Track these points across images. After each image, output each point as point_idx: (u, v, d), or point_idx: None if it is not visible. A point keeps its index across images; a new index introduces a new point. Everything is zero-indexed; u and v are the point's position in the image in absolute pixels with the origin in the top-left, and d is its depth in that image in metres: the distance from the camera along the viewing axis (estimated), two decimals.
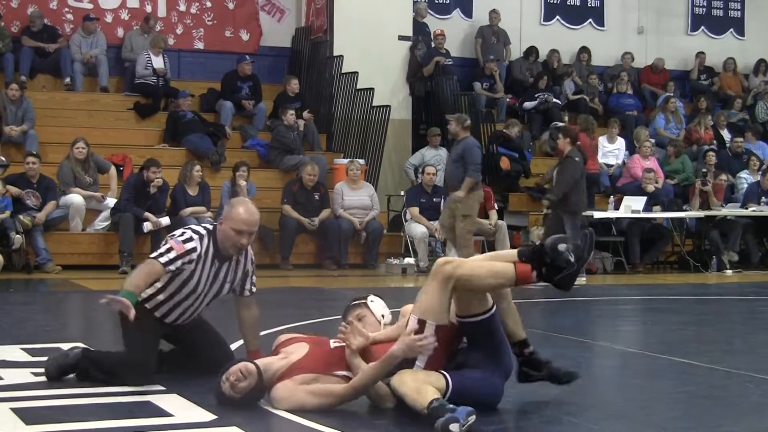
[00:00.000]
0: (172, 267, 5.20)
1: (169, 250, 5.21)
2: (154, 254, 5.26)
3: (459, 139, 12.06)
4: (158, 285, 5.29)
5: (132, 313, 5.00)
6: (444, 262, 4.69)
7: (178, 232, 5.37)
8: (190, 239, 5.26)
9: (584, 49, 18.19)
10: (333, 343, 4.87)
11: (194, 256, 5.24)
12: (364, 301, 5.22)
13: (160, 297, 5.34)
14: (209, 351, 5.53)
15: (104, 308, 5.30)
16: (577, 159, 11.87)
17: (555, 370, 5.06)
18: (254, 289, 5.55)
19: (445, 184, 12.50)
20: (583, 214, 12.27)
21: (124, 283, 5.23)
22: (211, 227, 5.40)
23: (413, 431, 4.47)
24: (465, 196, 11.83)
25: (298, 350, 4.85)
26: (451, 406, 4.31)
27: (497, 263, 4.70)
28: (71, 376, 5.34)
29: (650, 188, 14.23)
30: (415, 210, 13.43)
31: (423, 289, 4.69)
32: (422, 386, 4.47)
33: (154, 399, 4.97)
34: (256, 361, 4.82)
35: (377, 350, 4.75)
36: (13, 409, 4.71)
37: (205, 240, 5.30)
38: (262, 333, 5.82)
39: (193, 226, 5.47)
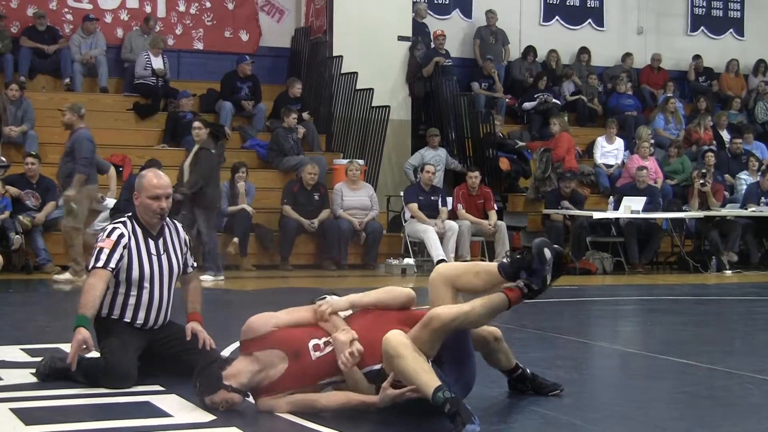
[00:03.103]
0: (112, 264, 5.28)
1: (100, 251, 5.31)
2: (90, 264, 5.31)
3: (73, 131, 11.29)
4: (111, 289, 5.33)
5: (91, 345, 5.09)
6: (439, 313, 4.54)
7: (100, 234, 5.48)
8: (113, 230, 5.40)
9: (584, 50, 18.21)
10: (314, 353, 4.70)
11: (124, 240, 5.35)
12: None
13: (118, 299, 5.38)
14: (194, 356, 5.45)
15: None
16: (213, 151, 11.39)
17: (540, 384, 5.24)
18: (195, 265, 5.83)
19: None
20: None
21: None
22: (129, 214, 5.54)
23: (414, 431, 4.47)
24: (76, 193, 11.04)
25: (276, 363, 4.68)
26: (467, 407, 4.26)
27: (486, 301, 4.62)
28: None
29: (641, 186, 14.14)
30: (414, 206, 13.40)
31: (414, 334, 4.52)
32: (425, 365, 4.43)
33: (154, 399, 4.97)
34: (231, 375, 4.68)
35: (360, 327, 4.72)
36: (13, 410, 4.71)
37: (128, 223, 5.46)
38: None
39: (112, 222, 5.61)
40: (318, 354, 4.70)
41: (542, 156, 14.90)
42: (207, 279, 11.17)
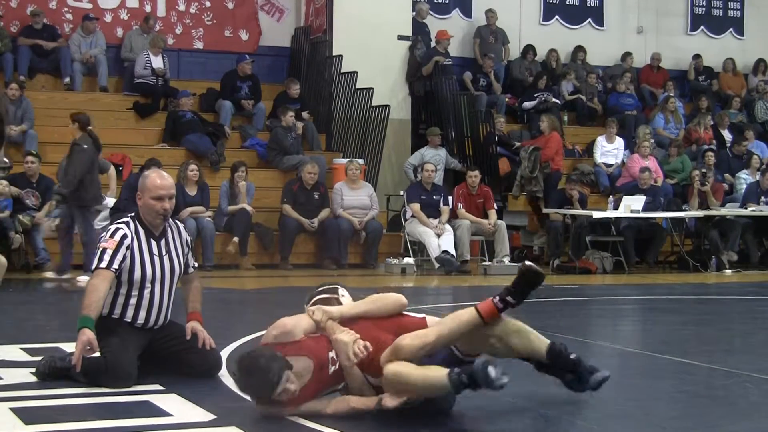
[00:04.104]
0: (116, 264, 5.28)
1: (103, 252, 5.30)
2: (94, 265, 5.32)
3: None
4: (112, 289, 5.33)
5: (95, 346, 5.07)
6: (404, 345, 4.51)
7: (103, 234, 5.48)
8: (116, 230, 5.40)
9: (580, 48, 18.20)
10: (330, 368, 4.67)
11: (127, 241, 5.35)
12: (335, 296, 4.97)
13: (120, 299, 5.38)
14: (194, 355, 5.51)
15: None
16: (86, 147, 11.00)
17: (583, 371, 4.87)
18: (196, 265, 5.84)
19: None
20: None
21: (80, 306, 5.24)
22: (132, 214, 5.54)
23: (414, 431, 4.47)
24: None
25: (303, 375, 4.57)
26: (476, 366, 4.26)
27: (454, 322, 4.60)
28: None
29: (643, 186, 14.14)
30: (416, 206, 13.41)
31: (385, 359, 4.55)
32: (425, 368, 4.45)
33: (154, 399, 4.98)
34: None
35: (366, 329, 4.72)
36: (13, 409, 4.71)
37: (131, 223, 5.46)
38: (262, 332, 5.81)
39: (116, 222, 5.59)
40: (333, 368, 4.68)
41: (531, 155, 14.73)
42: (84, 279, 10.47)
